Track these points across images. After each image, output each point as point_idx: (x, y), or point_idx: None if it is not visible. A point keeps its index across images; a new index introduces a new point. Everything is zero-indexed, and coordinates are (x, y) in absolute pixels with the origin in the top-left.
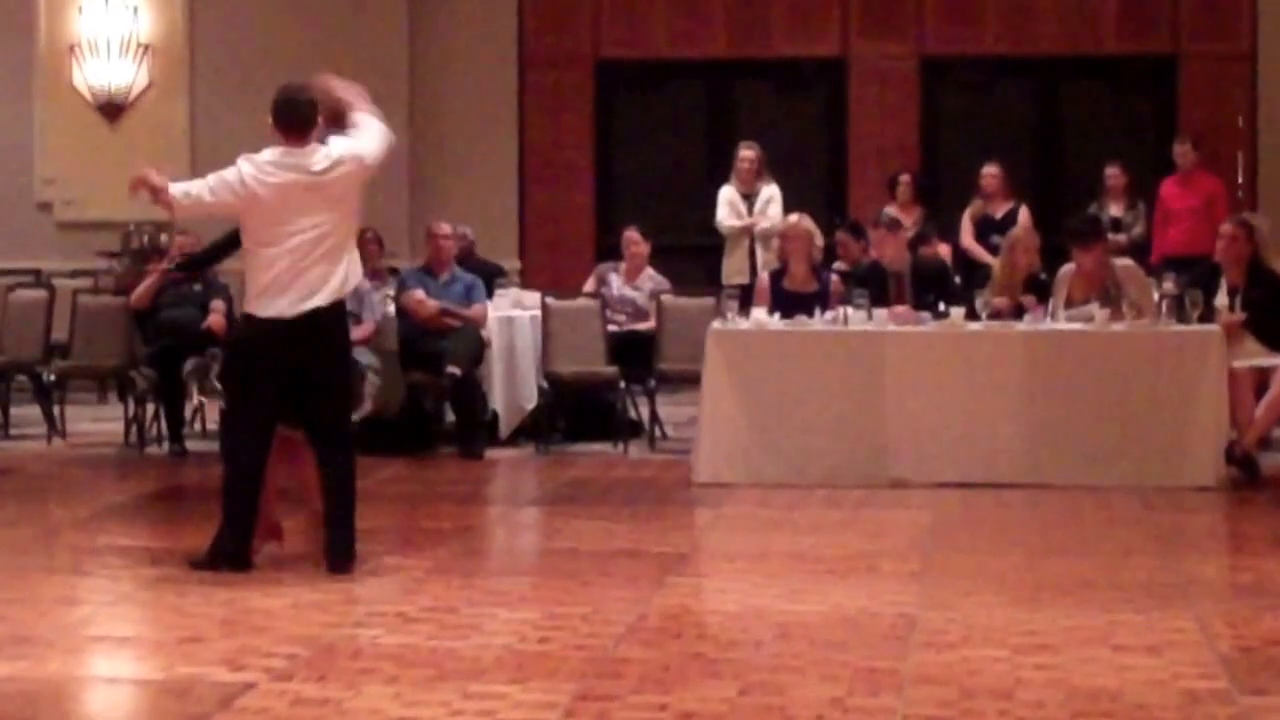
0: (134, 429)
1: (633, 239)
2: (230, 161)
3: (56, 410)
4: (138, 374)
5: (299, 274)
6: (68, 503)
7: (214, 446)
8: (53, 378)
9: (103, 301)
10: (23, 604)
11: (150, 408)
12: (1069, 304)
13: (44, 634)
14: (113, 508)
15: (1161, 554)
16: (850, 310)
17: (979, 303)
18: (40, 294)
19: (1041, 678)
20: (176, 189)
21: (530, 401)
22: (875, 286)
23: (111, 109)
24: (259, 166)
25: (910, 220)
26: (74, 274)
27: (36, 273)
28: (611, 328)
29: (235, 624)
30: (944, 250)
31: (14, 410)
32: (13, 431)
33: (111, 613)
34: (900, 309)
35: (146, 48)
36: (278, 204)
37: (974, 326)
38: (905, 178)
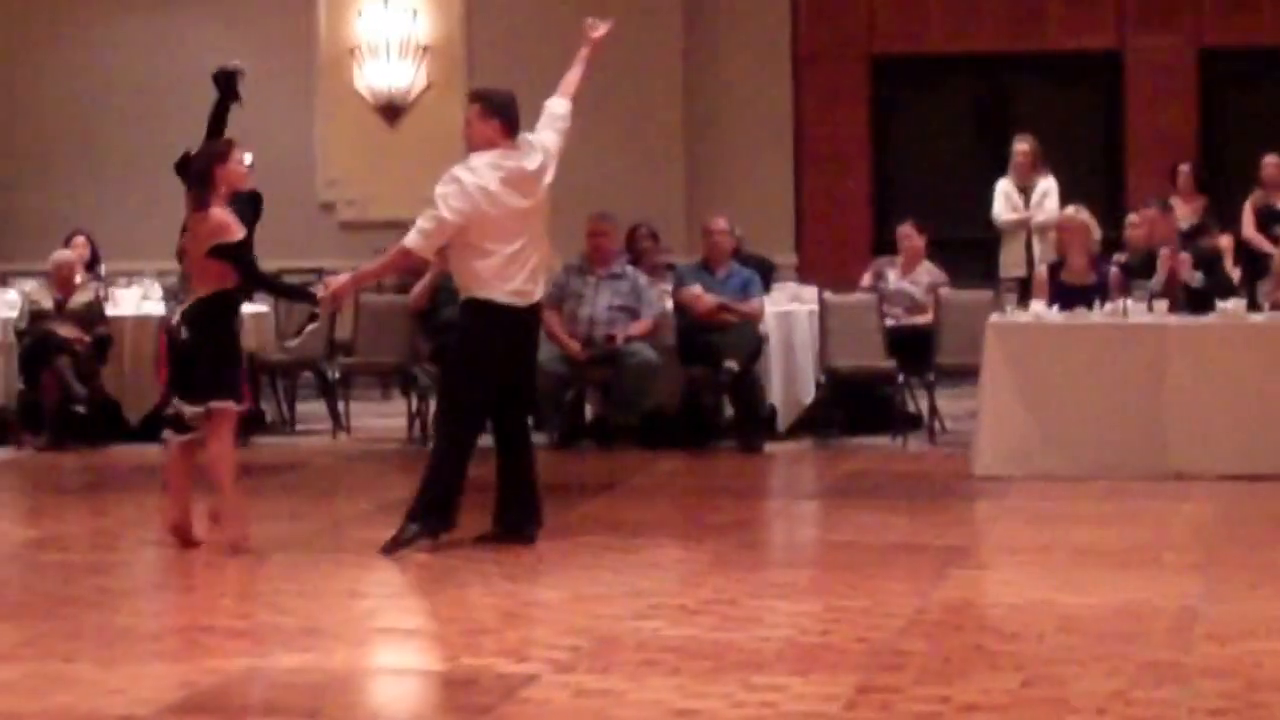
0: (416, 424)
1: (908, 233)
2: None
3: (341, 407)
4: (419, 370)
5: (524, 264)
6: (352, 497)
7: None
8: (337, 375)
9: (385, 300)
10: (309, 597)
11: (432, 404)
12: None
13: (330, 626)
14: (396, 502)
15: None
16: (1130, 302)
17: (1261, 293)
18: None
19: None
20: (408, 241)
21: (808, 395)
22: (1152, 274)
23: (391, 110)
24: (480, 171)
25: (1191, 211)
26: None
27: (319, 272)
28: (889, 321)
29: (518, 616)
30: (1225, 242)
31: (300, 407)
32: (299, 427)
33: (396, 605)
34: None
35: (425, 49)
36: (506, 202)
37: (1256, 317)
38: (1185, 168)
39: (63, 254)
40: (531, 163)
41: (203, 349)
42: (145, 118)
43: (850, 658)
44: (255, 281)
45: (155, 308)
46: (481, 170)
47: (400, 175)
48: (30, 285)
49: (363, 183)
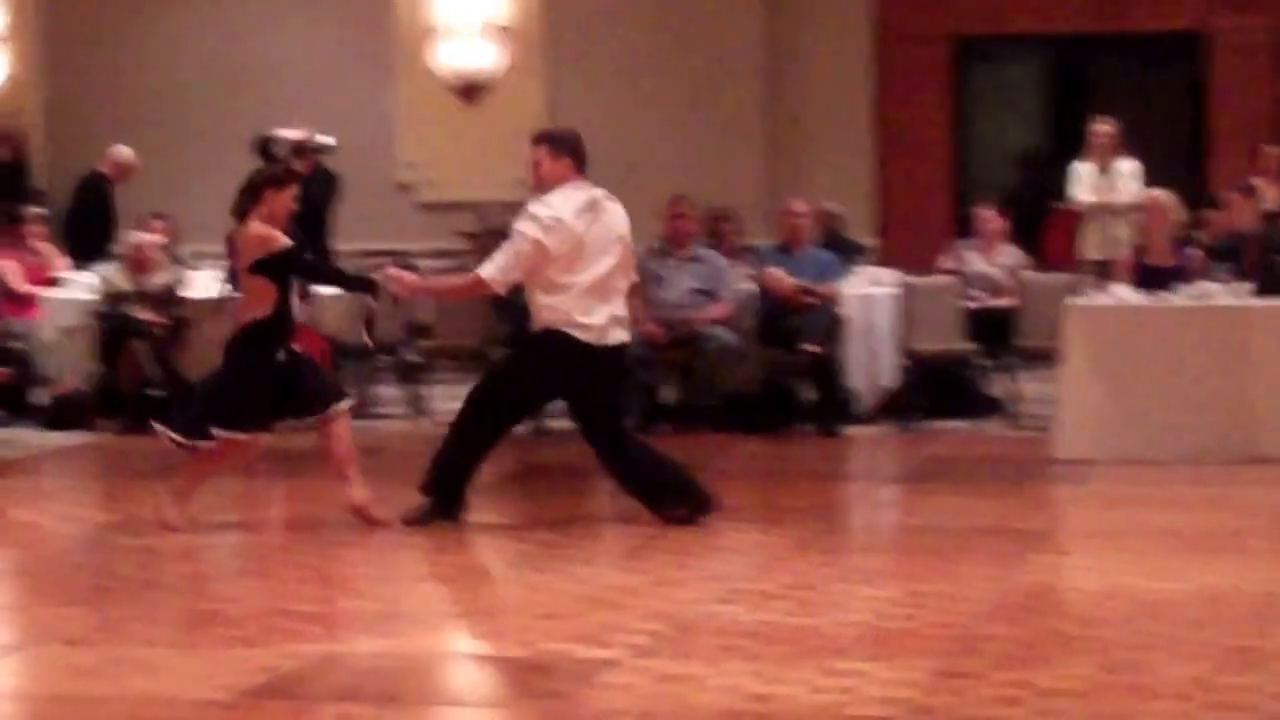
0: None
1: (989, 215)
2: (588, 142)
3: (420, 390)
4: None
5: (606, 298)
6: None
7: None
8: (416, 358)
9: None
10: (389, 581)
11: None
12: None
13: (409, 611)
14: (475, 486)
15: None
16: (1212, 284)
17: None
18: None
19: None
20: (484, 271)
21: (889, 379)
22: (1235, 257)
23: (470, 91)
24: (556, 205)
25: (1276, 193)
26: (434, 254)
27: (398, 253)
28: (970, 304)
29: (596, 600)
30: None
31: (379, 390)
32: (378, 411)
33: (474, 590)
34: None
35: (505, 30)
36: (583, 233)
37: None
38: (1270, 150)
39: (140, 236)
40: (608, 198)
41: (228, 378)
42: (223, 101)
43: (930, 643)
44: (312, 277)
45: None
46: (557, 204)
47: (478, 157)
48: (108, 268)
49: (441, 164)
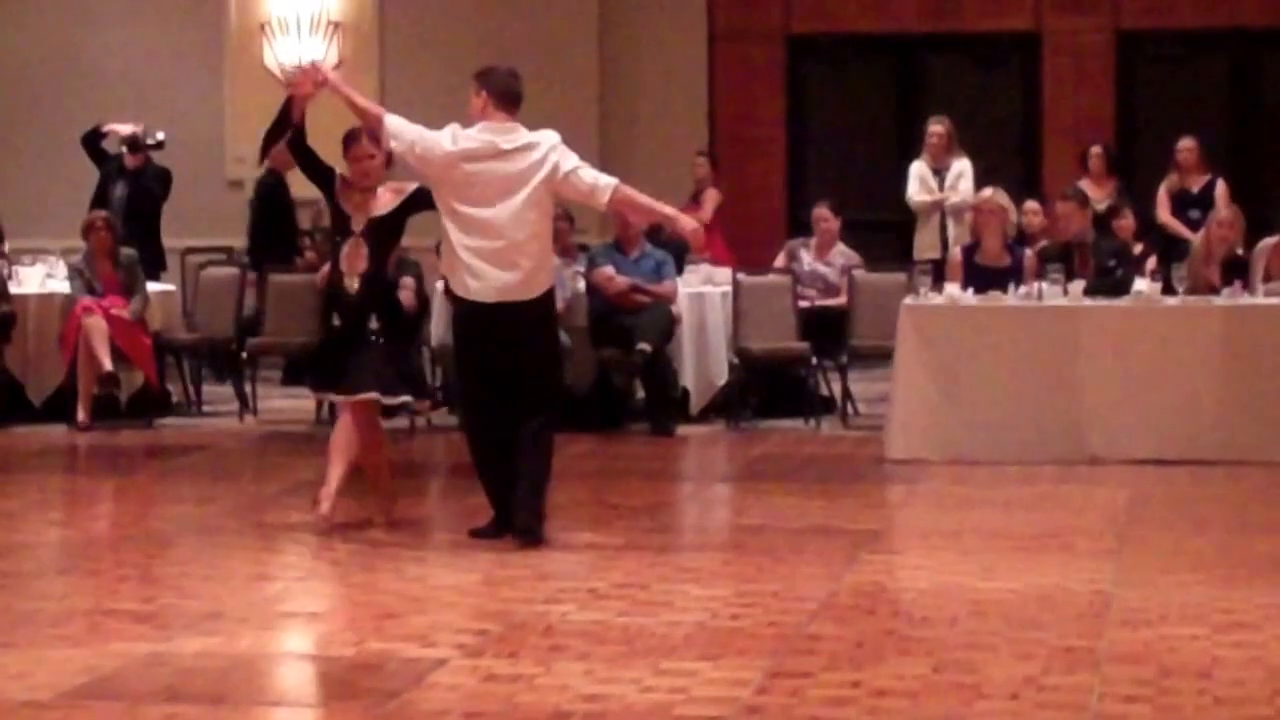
0: (325, 406)
1: (823, 215)
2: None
3: (248, 388)
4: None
5: (491, 259)
6: (259, 479)
7: (403, 424)
8: (244, 355)
9: (293, 279)
10: (215, 580)
11: None
12: (1267, 278)
13: (236, 610)
14: (304, 484)
15: None
16: (1045, 285)
17: (1175, 277)
18: (232, 271)
19: (1240, 656)
20: (389, 119)
21: (721, 378)
22: (1066, 259)
23: None
24: (458, 133)
25: (1104, 194)
26: None
27: (228, 250)
28: (803, 303)
29: (426, 600)
30: (1126, 223)
31: (206, 388)
32: (205, 409)
33: (303, 589)
34: None
35: (336, 25)
36: (466, 169)
37: (1170, 301)
38: (1097, 150)
39: None
40: (510, 143)
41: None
42: (53, 96)
43: (761, 643)
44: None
45: (60, 286)
46: (459, 133)
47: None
48: None
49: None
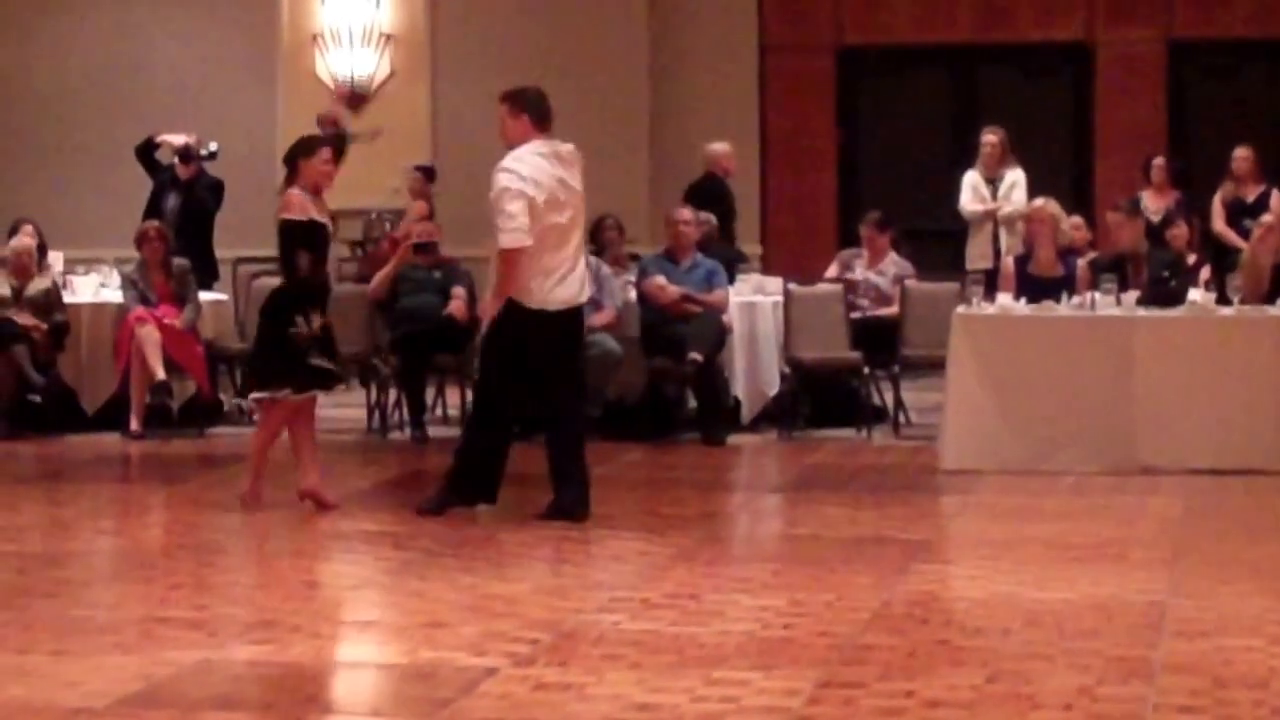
0: (377, 415)
1: (870, 234)
2: (471, 149)
3: None
4: (380, 361)
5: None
6: None
7: (454, 433)
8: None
9: (345, 289)
10: (267, 589)
11: (392, 394)
12: None
13: (288, 619)
14: (356, 493)
15: None
16: (1098, 295)
17: (1229, 287)
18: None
19: None
20: (505, 242)
21: (773, 387)
22: (1119, 269)
23: (354, 98)
24: (525, 159)
25: (1164, 204)
26: None
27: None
28: (855, 314)
29: (478, 609)
30: (1180, 231)
31: None
32: (258, 418)
33: (355, 597)
34: None
35: (389, 37)
36: (554, 185)
37: (1225, 311)
38: (1159, 161)
39: (22, 241)
40: (567, 153)
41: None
42: (104, 106)
43: (813, 653)
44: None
45: (113, 295)
46: (526, 158)
47: (363, 163)
48: None
49: None
